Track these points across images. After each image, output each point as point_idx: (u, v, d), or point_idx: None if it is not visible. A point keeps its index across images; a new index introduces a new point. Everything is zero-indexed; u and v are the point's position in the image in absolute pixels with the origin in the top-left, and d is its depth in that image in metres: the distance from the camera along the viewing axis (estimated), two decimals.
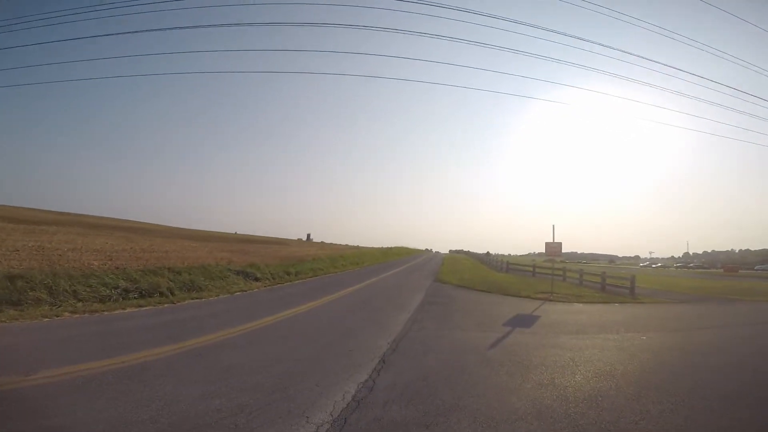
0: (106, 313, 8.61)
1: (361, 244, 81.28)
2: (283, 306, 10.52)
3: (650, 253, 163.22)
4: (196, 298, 11.84)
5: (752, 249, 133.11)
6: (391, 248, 66.96)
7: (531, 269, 27.56)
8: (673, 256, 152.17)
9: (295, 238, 71.29)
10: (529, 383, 4.91)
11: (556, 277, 24.43)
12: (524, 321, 9.73)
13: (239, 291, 13.66)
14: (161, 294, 11.61)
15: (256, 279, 16.47)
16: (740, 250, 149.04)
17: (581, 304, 13.29)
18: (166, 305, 10.26)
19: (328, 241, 78.54)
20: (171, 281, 12.85)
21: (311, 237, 78.17)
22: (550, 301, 13.86)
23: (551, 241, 15.22)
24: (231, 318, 8.71)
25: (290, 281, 17.62)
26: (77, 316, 8.13)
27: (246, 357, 5.70)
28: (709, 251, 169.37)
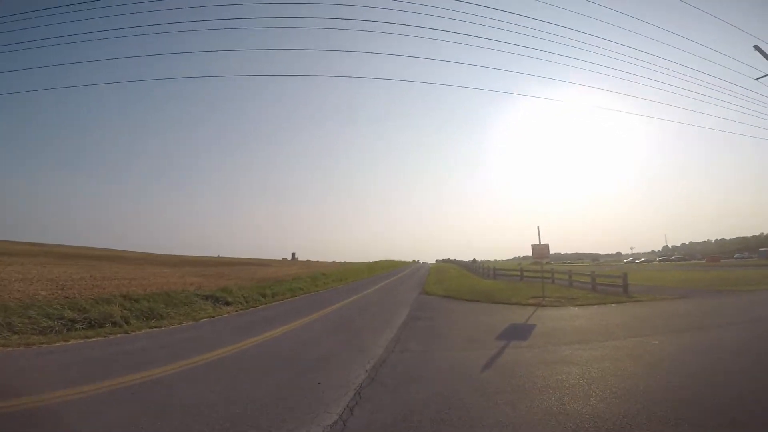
0: (44, 345, 7.79)
1: (348, 260, 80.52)
2: (250, 332, 9.38)
3: (631, 248, 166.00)
4: (155, 327, 10.77)
5: (727, 238, 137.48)
6: (377, 262, 65.73)
7: (518, 273, 26.81)
8: (653, 250, 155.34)
9: (280, 258, 70.51)
10: (536, 413, 3.94)
11: (545, 280, 23.84)
12: (519, 332, 8.80)
13: (206, 317, 12.39)
14: (114, 324, 10.59)
15: (227, 303, 15.16)
16: (716, 240, 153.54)
17: (576, 308, 12.46)
18: (118, 335, 9.30)
19: (314, 259, 78.16)
20: (127, 309, 11.65)
21: (296, 256, 77.05)
22: (543, 306, 13.00)
23: (537, 243, 14.44)
24: (186, 348, 7.59)
25: (266, 304, 16.34)
26: (9, 349, 7.23)
27: (190, 396, 4.66)
28: (687, 243, 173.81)
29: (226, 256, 65.14)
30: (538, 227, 14.41)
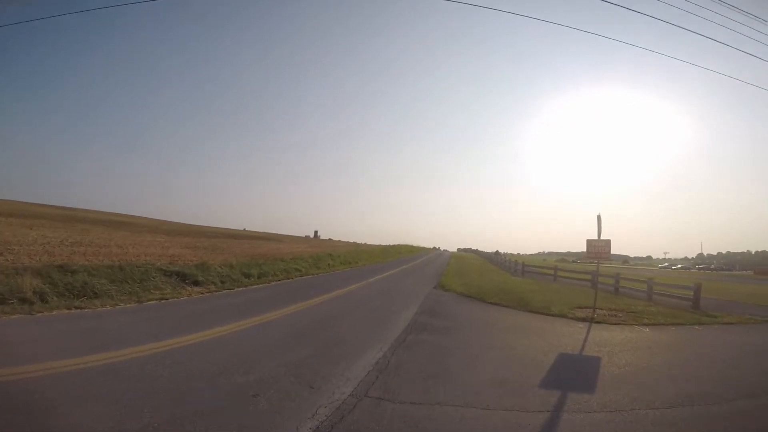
0: None
1: (371, 242, 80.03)
2: (184, 328, 6.62)
3: (665, 253, 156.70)
4: (77, 308, 8.30)
5: None
6: (394, 246, 62.76)
7: (552, 272, 23.18)
8: (686, 257, 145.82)
9: (303, 236, 69.20)
10: None
11: (581, 283, 20.20)
12: (576, 372, 5.59)
13: (155, 300, 9.78)
14: (23, 300, 8.11)
15: (196, 283, 12.48)
16: (756, 252, 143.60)
17: (647, 329, 9.04)
18: (14, 316, 7.03)
19: (336, 239, 77.62)
20: (50, 284, 9.11)
21: (319, 234, 76.09)
22: (597, 322, 9.62)
23: (595, 237, 10.93)
24: (74, 344, 4.96)
25: (246, 285, 13.63)
26: None
27: None
28: (724, 252, 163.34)
29: (252, 230, 64.09)
30: (599, 217, 10.87)
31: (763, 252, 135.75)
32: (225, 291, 12.42)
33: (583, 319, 9.89)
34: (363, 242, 75.02)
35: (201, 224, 57.63)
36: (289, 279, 16.56)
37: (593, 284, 20.39)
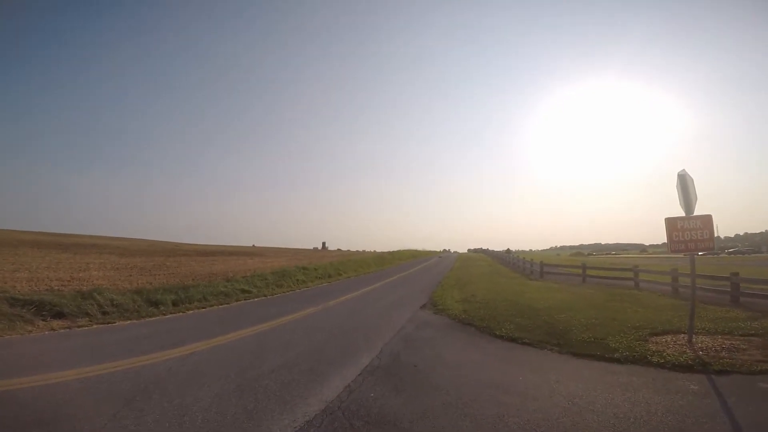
0: None
1: (382, 249, 79.55)
2: None
3: None
4: None
5: None
6: (394, 252, 57.78)
7: (580, 272, 18.23)
8: None
9: (311, 248, 69.64)
10: None
11: (621, 283, 14.98)
12: None
13: None
14: None
15: (59, 315, 8.45)
16: None
17: None
18: None
19: (345, 248, 78.88)
20: None
21: (326, 245, 77.56)
22: (720, 372, 4.89)
23: (680, 214, 6.17)
24: None
25: (143, 317, 9.46)
26: None
27: None
28: (741, 234, 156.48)
29: (260, 245, 63.76)
30: (683, 177, 6.07)
31: None
32: (97, 326, 8.30)
33: (684, 366, 5.21)
34: (372, 250, 73.74)
35: (180, 242, 53.63)
36: (223, 305, 11.97)
37: (636, 284, 15.58)
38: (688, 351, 5.95)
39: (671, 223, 6.22)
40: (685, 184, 6.05)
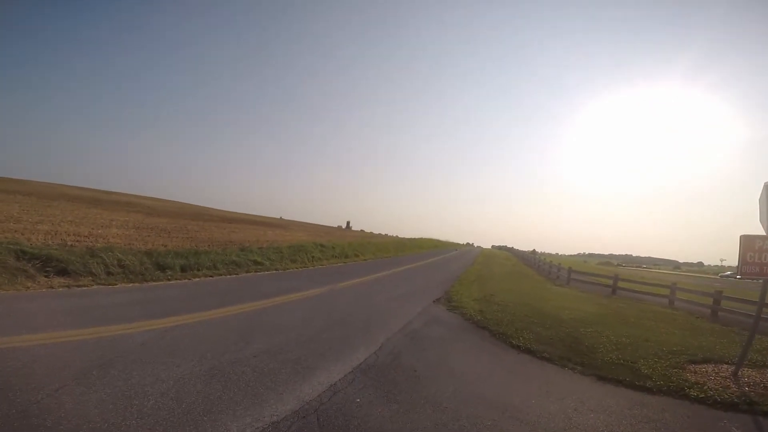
0: None
1: (406, 235, 79.58)
2: None
3: (721, 260, 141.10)
4: None
5: None
6: (414, 239, 56.85)
7: (610, 282, 16.98)
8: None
9: (335, 226, 70.63)
10: None
11: (655, 300, 13.61)
12: None
13: None
14: None
15: (63, 272, 8.49)
16: None
17: None
18: None
19: (369, 230, 77.86)
20: None
21: (351, 225, 78.82)
22: (765, 414, 4.04)
23: (761, 233, 5.21)
24: None
25: (148, 280, 9.57)
26: None
27: None
28: None
29: (288, 218, 66.65)
30: None
31: None
32: (97, 287, 8.17)
33: (727, 404, 4.44)
34: (395, 235, 73.77)
35: (207, 206, 54.70)
36: (232, 275, 11.72)
37: (671, 302, 14.25)
38: (732, 386, 5.09)
39: (748, 241, 5.24)
40: None
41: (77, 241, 12.11)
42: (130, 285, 8.78)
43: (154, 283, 9.31)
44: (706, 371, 5.69)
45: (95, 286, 8.20)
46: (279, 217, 67.57)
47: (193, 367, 4.20)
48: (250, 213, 59.85)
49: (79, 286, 8.03)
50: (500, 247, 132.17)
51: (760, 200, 5.44)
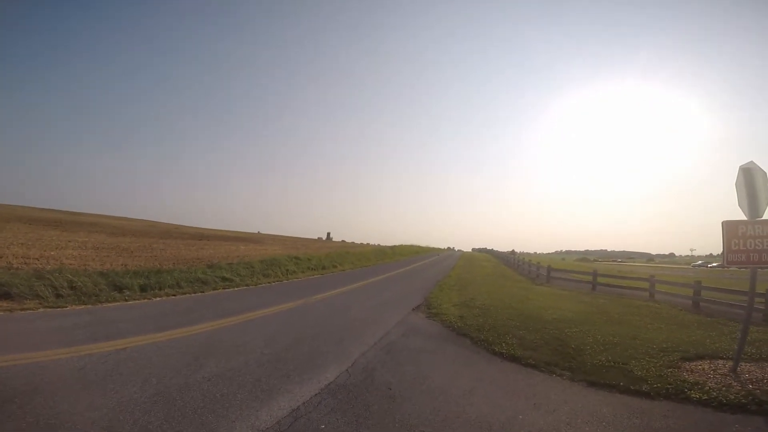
0: None
1: (387, 243, 79.16)
2: None
3: (691, 250, 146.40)
4: None
5: None
6: (395, 246, 56.47)
7: (590, 278, 16.92)
8: (711, 254, 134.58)
9: (316, 237, 70.33)
10: None
11: (636, 294, 13.50)
12: None
13: None
14: None
15: (7, 295, 7.27)
16: None
17: None
18: None
19: (350, 240, 78.09)
20: None
21: (331, 236, 78.84)
22: None
23: (742, 218, 4.95)
24: None
25: (102, 302, 8.55)
26: None
27: None
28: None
29: (266, 232, 64.99)
30: (751, 171, 4.85)
31: None
32: (43, 310, 7.79)
33: (734, 405, 4.09)
34: (376, 243, 74.50)
35: (180, 223, 52.89)
36: (197, 293, 10.94)
37: (651, 295, 14.13)
38: (734, 384, 4.77)
39: (731, 228, 4.97)
40: (751, 180, 4.80)
41: (25, 263, 11.16)
42: (82, 307, 7.99)
43: (109, 305, 8.51)
44: (703, 369, 5.37)
45: (41, 310, 7.44)
46: (257, 231, 66.24)
47: (134, 393, 3.60)
48: (226, 229, 58.20)
49: (23, 309, 7.29)
50: (480, 250, 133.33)
51: (737, 185, 5.21)
